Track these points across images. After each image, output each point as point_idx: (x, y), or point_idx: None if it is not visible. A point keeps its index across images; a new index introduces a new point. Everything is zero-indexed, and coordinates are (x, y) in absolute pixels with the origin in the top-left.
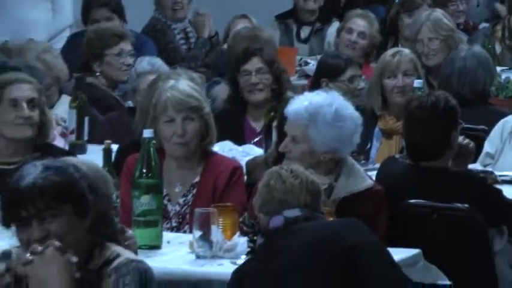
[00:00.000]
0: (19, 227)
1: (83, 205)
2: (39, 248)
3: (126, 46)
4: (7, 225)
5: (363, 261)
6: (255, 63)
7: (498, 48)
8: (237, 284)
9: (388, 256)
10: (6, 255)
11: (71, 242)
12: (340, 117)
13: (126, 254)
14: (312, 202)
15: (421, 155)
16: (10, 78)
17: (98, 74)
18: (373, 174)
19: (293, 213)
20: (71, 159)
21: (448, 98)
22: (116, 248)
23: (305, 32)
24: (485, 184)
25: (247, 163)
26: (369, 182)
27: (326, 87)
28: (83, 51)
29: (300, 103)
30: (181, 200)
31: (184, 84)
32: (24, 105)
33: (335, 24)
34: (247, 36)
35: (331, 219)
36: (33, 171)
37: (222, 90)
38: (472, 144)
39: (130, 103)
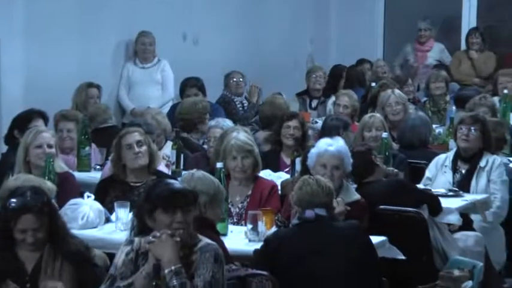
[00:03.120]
0: (167, 213)
1: (196, 207)
2: (158, 234)
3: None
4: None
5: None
6: (295, 122)
7: (430, 113)
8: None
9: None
10: (131, 240)
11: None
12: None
13: (206, 240)
14: (329, 200)
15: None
16: (123, 131)
17: (198, 129)
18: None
19: (322, 212)
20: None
21: (366, 145)
22: (199, 235)
23: (314, 103)
24: (424, 191)
25: (281, 183)
26: (358, 196)
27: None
28: (190, 116)
29: (333, 145)
30: (239, 205)
31: (242, 135)
32: (135, 145)
33: (332, 98)
34: (270, 101)
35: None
36: (172, 183)
37: (261, 135)
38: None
39: (206, 147)
